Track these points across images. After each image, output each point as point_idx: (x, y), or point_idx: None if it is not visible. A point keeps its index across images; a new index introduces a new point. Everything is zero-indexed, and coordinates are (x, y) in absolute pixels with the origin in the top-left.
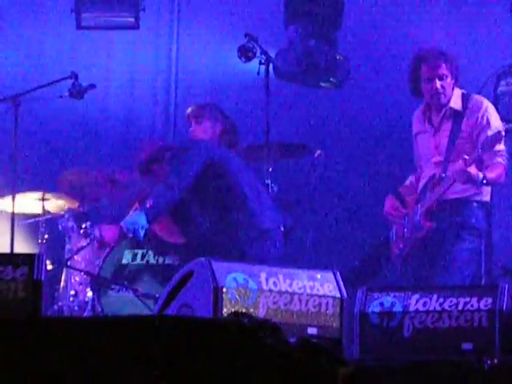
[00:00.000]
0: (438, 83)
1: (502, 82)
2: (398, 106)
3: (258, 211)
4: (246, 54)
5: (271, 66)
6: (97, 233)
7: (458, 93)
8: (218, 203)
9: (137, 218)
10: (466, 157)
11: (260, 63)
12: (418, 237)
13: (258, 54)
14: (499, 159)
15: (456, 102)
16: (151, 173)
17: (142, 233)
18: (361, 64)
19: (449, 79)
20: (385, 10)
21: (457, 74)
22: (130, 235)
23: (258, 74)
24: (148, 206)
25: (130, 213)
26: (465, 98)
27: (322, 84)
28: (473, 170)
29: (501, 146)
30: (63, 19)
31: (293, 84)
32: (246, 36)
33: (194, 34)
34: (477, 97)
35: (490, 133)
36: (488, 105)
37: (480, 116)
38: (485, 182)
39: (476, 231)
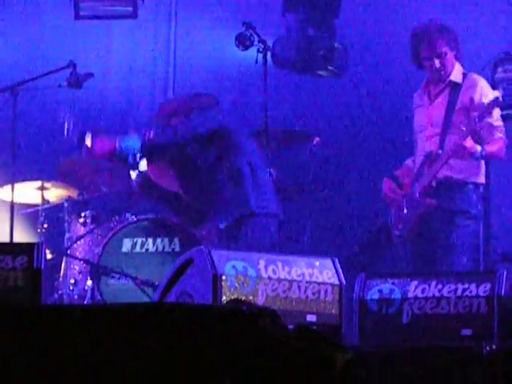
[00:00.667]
0: (437, 62)
1: (499, 69)
2: (397, 94)
3: (249, 188)
4: (243, 42)
5: (269, 54)
6: (88, 140)
7: (458, 67)
8: (217, 165)
9: (132, 143)
10: (464, 128)
11: (258, 51)
12: (417, 214)
13: (256, 42)
14: (499, 134)
15: (456, 76)
16: (172, 127)
17: (131, 158)
18: (359, 52)
19: (449, 55)
20: None
21: (457, 46)
22: (120, 157)
23: (256, 62)
24: (147, 136)
25: (126, 136)
26: (463, 76)
27: (320, 72)
28: (469, 143)
29: (499, 122)
30: (61, 9)
31: (291, 72)
32: (243, 24)
33: (192, 22)
34: (473, 74)
35: (485, 100)
36: (484, 83)
37: (477, 92)
38: (483, 154)
39: (471, 215)
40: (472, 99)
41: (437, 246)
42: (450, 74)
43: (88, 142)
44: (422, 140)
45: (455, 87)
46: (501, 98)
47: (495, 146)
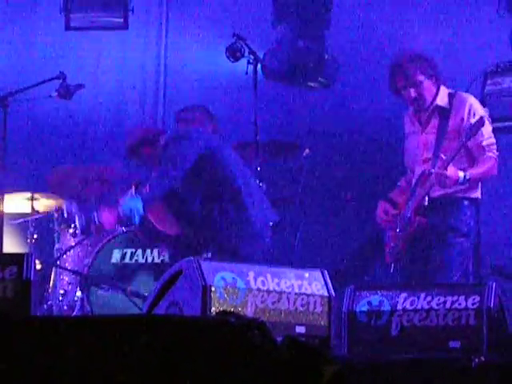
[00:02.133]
0: (412, 91)
1: (489, 82)
2: (387, 106)
3: (251, 206)
4: (234, 53)
5: (259, 65)
6: (95, 218)
7: (444, 91)
8: (213, 194)
9: (134, 204)
10: (443, 156)
11: (248, 63)
12: (409, 232)
13: (246, 53)
14: (489, 153)
15: (442, 100)
16: (140, 156)
17: (137, 219)
18: (349, 63)
19: (426, 83)
20: (373, 10)
21: (436, 73)
22: (126, 220)
23: (247, 73)
24: (145, 192)
25: (125, 197)
26: (451, 97)
27: (311, 84)
28: (450, 171)
29: (490, 140)
30: (52, 19)
31: (281, 84)
32: (234, 36)
33: (183, 34)
34: (461, 93)
35: (472, 121)
36: (473, 100)
37: (466, 112)
38: (469, 179)
39: (465, 233)
40: (462, 119)
41: (428, 263)
42: (431, 100)
43: (95, 219)
44: (417, 164)
45: (443, 111)
46: (487, 116)
47: (484, 167)
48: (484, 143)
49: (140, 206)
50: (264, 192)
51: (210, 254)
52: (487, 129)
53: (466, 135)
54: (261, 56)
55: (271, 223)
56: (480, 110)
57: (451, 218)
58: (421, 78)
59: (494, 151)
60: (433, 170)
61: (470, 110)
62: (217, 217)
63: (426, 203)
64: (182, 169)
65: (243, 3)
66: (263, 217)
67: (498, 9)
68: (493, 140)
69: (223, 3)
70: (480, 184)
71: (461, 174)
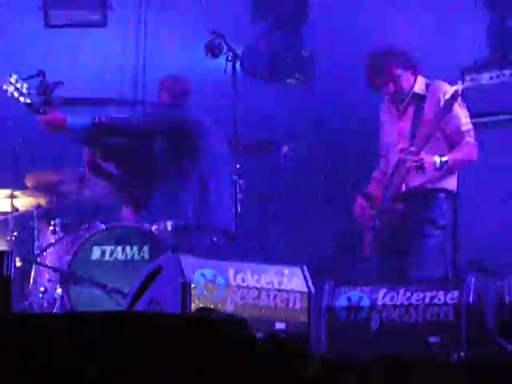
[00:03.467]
0: (392, 86)
1: (467, 78)
2: (365, 102)
3: (197, 202)
4: (212, 51)
5: (238, 62)
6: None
7: (421, 79)
8: (175, 171)
9: (83, 122)
10: (413, 148)
11: (227, 60)
12: (387, 220)
13: (225, 50)
14: (468, 138)
15: (420, 88)
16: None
17: (80, 137)
18: (327, 60)
19: (404, 76)
20: (351, 6)
21: (412, 64)
22: (71, 131)
23: (225, 70)
24: (97, 119)
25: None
26: (428, 86)
27: (289, 80)
28: (424, 155)
29: (469, 126)
30: (31, 17)
31: (260, 80)
32: (213, 33)
33: (161, 31)
34: (438, 81)
35: (447, 96)
36: (447, 88)
37: (441, 97)
38: (445, 162)
39: (442, 225)
40: (438, 104)
41: (405, 255)
42: (410, 89)
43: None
44: (393, 153)
45: (420, 99)
46: (460, 91)
47: (464, 152)
48: (463, 128)
49: (87, 125)
50: (241, 191)
51: None
52: (465, 114)
53: (441, 111)
54: (239, 53)
55: (226, 231)
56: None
57: (428, 210)
58: (398, 71)
59: (472, 135)
60: (408, 157)
61: (445, 95)
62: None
63: (403, 190)
64: (157, 116)
65: (222, 0)
66: (223, 219)
67: (475, 5)
68: (470, 126)
69: (202, 0)
70: (456, 177)
71: (436, 158)
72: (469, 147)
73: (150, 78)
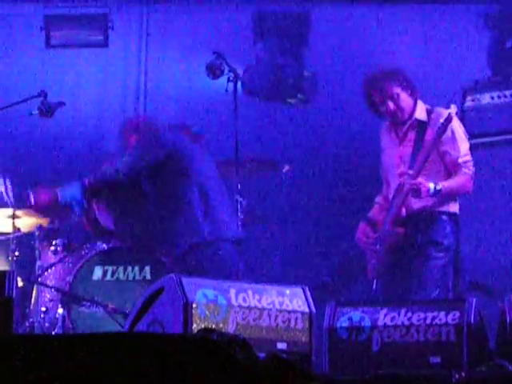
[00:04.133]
0: (391, 104)
1: (469, 98)
2: (366, 122)
3: (200, 218)
4: (214, 71)
5: (239, 82)
6: (30, 196)
7: (421, 105)
8: (170, 197)
9: (73, 192)
10: (411, 172)
11: (228, 80)
12: (389, 244)
13: (226, 71)
14: (465, 170)
15: (421, 113)
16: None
17: (76, 208)
18: (328, 80)
19: (403, 95)
20: (352, 28)
21: (411, 85)
22: (65, 207)
23: (227, 91)
24: (87, 182)
25: (65, 185)
26: (429, 112)
27: (290, 100)
28: (420, 181)
29: (467, 157)
30: (32, 37)
31: (261, 100)
32: (214, 53)
33: (163, 51)
34: (439, 108)
35: (441, 120)
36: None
37: (446, 128)
38: (439, 190)
39: (445, 247)
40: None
41: (408, 277)
42: (410, 112)
43: (30, 197)
44: (394, 177)
45: (421, 125)
46: (463, 131)
47: (458, 182)
48: (460, 160)
49: (79, 194)
50: (243, 210)
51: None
52: (463, 145)
53: (437, 133)
54: (240, 73)
55: (233, 238)
56: (459, 128)
57: (431, 232)
58: (397, 90)
59: (470, 167)
60: (407, 181)
61: (444, 125)
62: (164, 217)
63: (404, 214)
64: (140, 166)
65: (223, 21)
66: (220, 233)
67: (476, 25)
68: (469, 158)
69: (203, 20)
70: (457, 199)
71: (431, 184)
72: (464, 179)
73: (151, 97)
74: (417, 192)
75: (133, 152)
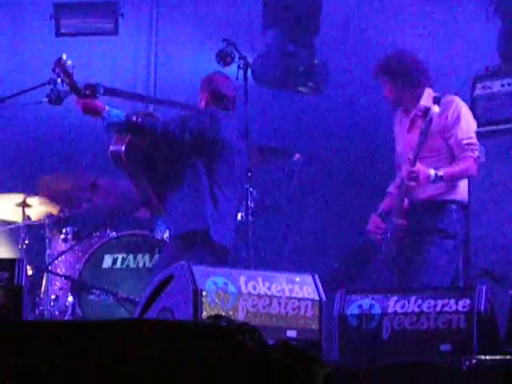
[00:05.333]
0: (387, 91)
1: (479, 85)
2: (377, 111)
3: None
4: (224, 59)
5: (249, 70)
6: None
7: (429, 92)
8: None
9: (118, 114)
10: (410, 157)
11: (238, 68)
12: (396, 234)
13: (237, 58)
14: (469, 153)
15: (427, 100)
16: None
17: (115, 128)
18: (339, 68)
19: (399, 82)
20: (363, 15)
21: (418, 71)
22: (104, 120)
23: (237, 78)
24: (134, 119)
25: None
26: (436, 99)
27: (301, 88)
28: (420, 168)
29: (472, 140)
30: (42, 26)
31: (271, 88)
32: (224, 41)
33: (173, 39)
34: (448, 96)
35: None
36: (459, 102)
37: (451, 112)
38: (440, 176)
39: (452, 235)
40: (446, 122)
41: (417, 265)
42: (415, 99)
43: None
44: (405, 164)
45: (427, 112)
46: (470, 117)
47: (461, 166)
48: (464, 142)
49: (122, 119)
50: (253, 199)
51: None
52: (468, 128)
53: (423, 130)
54: (251, 61)
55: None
56: (468, 115)
57: (438, 221)
58: (392, 77)
59: (475, 151)
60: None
61: (455, 110)
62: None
63: (406, 206)
64: (180, 131)
65: (233, 8)
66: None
67: (486, 13)
68: (473, 140)
69: (213, 8)
70: (467, 185)
71: (431, 171)
72: (468, 162)
73: (161, 85)
74: (415, 179)
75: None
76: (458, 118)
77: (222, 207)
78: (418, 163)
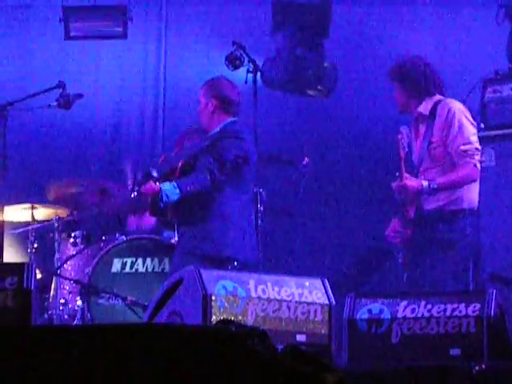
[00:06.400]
0: (398, 97)
1: (489, 89)
2: (386, 115)
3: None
4: (233, 62)
5: (259, 74)
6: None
7: (429, 98)
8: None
9: (172, 194)
10: (397, 174)
11: (248, 71)
12: (404, 241)
13: (246, 62)
14: (467, 159)
15: (425, 107)
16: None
17: (163, 206)
18: (348, 72)
19: (405, 88)
20: (373, 19)
21: (424, 76)
22: (160, 202)
23: (246, 82)
24: (188, 189)
25: (168, 183)
26: (436, 104)
27: (310, 92)
28: (408, 181)
29: (470, 146)
30: (51, 29)
31: (280, 92)
32: (233, 44)
33: (182, 42)
34: (447, 100)
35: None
36: (456, 106)
37: (445, 118)
38: (434, 188)
39: (462, 241)
40: (444, 128)
41: (428, 272)
42: (416, 105)
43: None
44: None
45: (427, 118)
46: (468, 117)
47: (458, 173)
48: (462, 148)
49: (175, 198)
50: (263, 202)
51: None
52: (465, 132)
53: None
54: (260, 64)
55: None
56: (458, 112)
57: (446, 231)
58: (399, 83)
59: (475, 156)
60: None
61: (447, 115)
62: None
63: (411, 215)
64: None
65: (242, 12)
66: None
67: (496, 16)
68: (472, 146)
69: (222, 11)
70: (475, 193)
71: (424, 183)
72: (467, 169)
73: (170, 89)
74: (403, 193)
75: (221, 159)
76: (453, 122)
77: (245, 223)
78: (405, 176)
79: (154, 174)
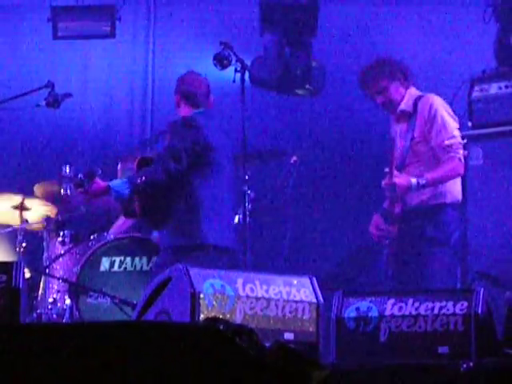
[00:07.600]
0: (379, 97)
1: (476, 88)
2: (374, 113)
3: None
4: (221, 61)
5: (247, 73)
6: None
7: (412, 93)
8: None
9: (122, 189)
10: (387, 169)
11: (235, 71)
12: (391, 238)
13: (234, 61)
14: (452, 154)
15: (406, 103)
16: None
17: (123, 203)
18: (336, 71)
19: (392, 86)
20: (360, 18)
21: (403, 76)
22: (112, 197)
23: (234, 81)
24: (138, 181)
25: (118, 179)
26: (417, 100)
27: (298, 91)
28: (397, 178)
29: (453, 140)
30: (40, 29)
31: (269, 91)
32: (221, 44)
33: (170, 42)
34: (427, 95)
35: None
36: (437, 102)
37: (427, 113)
38: (423, 184)
39: (447, 239)
40: (425, 122)
41: (414, 271)
42: (399, 103)
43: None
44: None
45: (409, 115)
46: (449, 112)
47: (445, 168)
48: (446, 143)
49: (127, 192)
50: (250, 201)
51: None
52: (448, 127)
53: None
54: (248, 64)
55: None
56: (440, 107)
57: (431, 225)
58: (384, 82)
59: (458, 150)
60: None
61: (429, 110)
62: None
63: (397, 212)
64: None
65: (230, 11)
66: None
67: (483, 15)
68: (456, 140)
69: (210, 11)
70: (460, 187)
71: (413, 180)
72: (452, 163)
73: (158, 88)
74: (392, 190)
75: (178, 154)
76: (436, 118)
77: (219, 210)
78: (395, 173)
79: (98, 171)
